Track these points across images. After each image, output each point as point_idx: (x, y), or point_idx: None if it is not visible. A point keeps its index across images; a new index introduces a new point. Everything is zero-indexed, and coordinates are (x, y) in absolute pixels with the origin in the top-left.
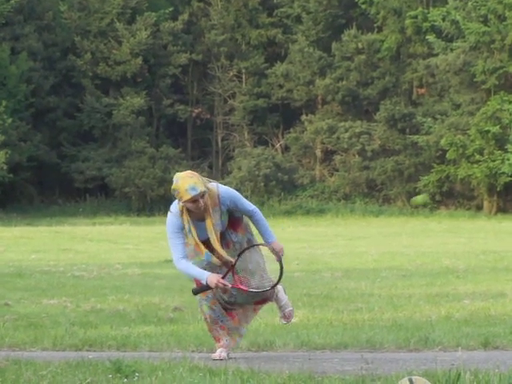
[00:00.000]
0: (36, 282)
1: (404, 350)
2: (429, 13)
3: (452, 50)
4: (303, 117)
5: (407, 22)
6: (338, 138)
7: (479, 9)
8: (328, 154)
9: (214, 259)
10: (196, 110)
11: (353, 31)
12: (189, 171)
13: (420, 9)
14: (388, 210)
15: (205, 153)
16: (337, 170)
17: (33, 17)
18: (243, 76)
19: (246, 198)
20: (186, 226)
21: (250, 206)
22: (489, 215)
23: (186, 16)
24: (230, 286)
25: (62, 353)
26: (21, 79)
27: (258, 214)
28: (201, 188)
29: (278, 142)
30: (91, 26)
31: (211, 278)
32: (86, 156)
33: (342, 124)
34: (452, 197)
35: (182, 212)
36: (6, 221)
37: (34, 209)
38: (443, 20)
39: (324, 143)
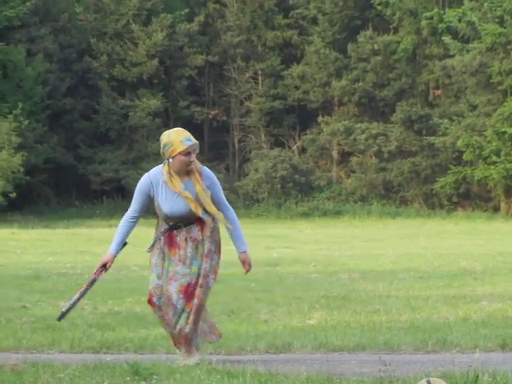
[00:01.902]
0: (53, 284)
1: (422, 351)
2: (445, 14)
3: (468, 51)
4: (320, 118)
5: (423, 23)
6: (355, 140)
7: (495, 10)
8: (345, 156)
9: (208, 221)
10: (212, 112)
11: (369, 32)
12: (178, 128)
13: (436, 10)
14: (405, 212)
15: (221, 155)
16: (353, 172)
17: (48, 18)
18: (259, 77)
19: (263, 199)
20: (180, 185)
21: (227, 202)
22: (506, 216)
23: (201, 17)
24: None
25: (79, 355)
26: (37, 81)
27: (233, 214)
28: (194, 140)
29: (295, 143)
30: (107, 28)
31: (107, 256)
32: (103, 158)
33: (359, 125)
34: (469, 198)
35: (170, 174)
36: (23, 223)
37: (50, 211)
38: (459, 21)
39: (340, 145)
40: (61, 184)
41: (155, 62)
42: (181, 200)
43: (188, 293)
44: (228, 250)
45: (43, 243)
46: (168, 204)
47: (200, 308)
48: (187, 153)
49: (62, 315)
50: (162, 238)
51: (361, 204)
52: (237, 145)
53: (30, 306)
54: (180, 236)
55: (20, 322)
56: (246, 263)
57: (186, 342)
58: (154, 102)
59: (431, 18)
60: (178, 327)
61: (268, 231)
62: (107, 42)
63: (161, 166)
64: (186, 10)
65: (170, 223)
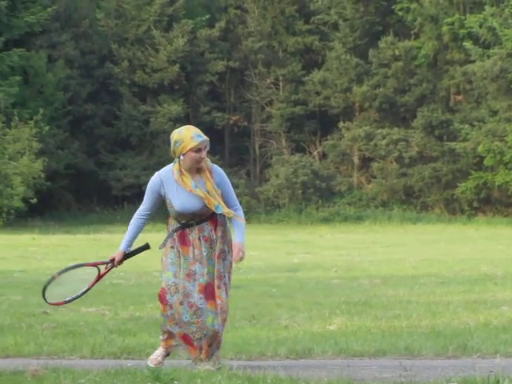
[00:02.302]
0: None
1: (442, 357)
2: (466, 19)
3: (489, 56)
4: (340, 124)
5: (444, 28)
6: (376, 145)
7: None
8: (365, 161)
9: (226, 211)
10: (233, 118)
11: (390, 38)
12: (188, 125)
13: (457, 16)
14: (426, 217)
15: (242, 160)
16: (374, 177)
17: (69, 24)
18: (280, 83)
19: (284, 205)
20: (191, 183)
21: (236, 200)
22: None
23: (222, 23)
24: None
25: (100, 361)
26: (58, 87)
27: (242, 212)
28: (205, 136)
29: (316, 149)
30: (128, 34)
31: (118, 253)
32: (124, 164)
33: (380, 131)
34: (490, 203)
35: (181, 172)
36: (44, 229)
37: (71, 217)
38: (480, 27)
39: (361, 150)
40: (82, 190)
41: (176, 67)
42: (192, 197)
43: (207, 292)
44: (248, 255)
45: (64, 249)
46: (180, 201)
47: (225, 308)
48: (198, 149)
49: (65, 303)
50: (176, 236)
51: (381, 209)
52: (258, 150)
53: (50, 311)
54: (192, 234)
55: (41, 327)
56: (240, 250)
57: (216, 344)
58: (175, 108)
59: (452, 23)
60: (212, 328)
61: (289, 237)
62: (128, 48)
63: (171, 164)
64: (207, 16)
65: (182, 221)
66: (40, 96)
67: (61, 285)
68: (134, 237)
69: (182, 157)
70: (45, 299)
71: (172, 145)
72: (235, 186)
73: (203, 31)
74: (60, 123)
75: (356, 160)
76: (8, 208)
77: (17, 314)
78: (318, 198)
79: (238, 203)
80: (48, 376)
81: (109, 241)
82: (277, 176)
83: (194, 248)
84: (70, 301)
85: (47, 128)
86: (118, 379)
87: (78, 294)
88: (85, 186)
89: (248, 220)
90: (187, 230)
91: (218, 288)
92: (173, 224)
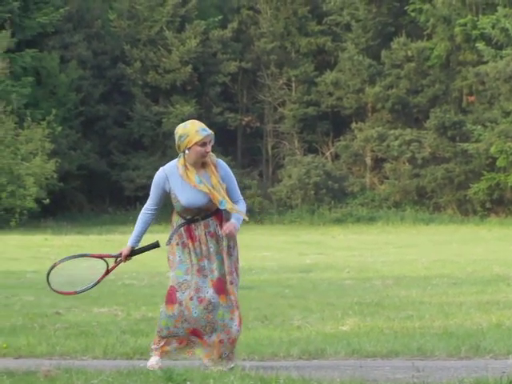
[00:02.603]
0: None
1: (455, 357)
2: (478, 20)
3: (502, 57)
4: (353, 125)
5: (457, 29)
6: (388, 146)
7: None
8: (378, 162)
9: (229, 206)
10: (246, 118)
11: (402, 39)
12: (193, 119)
13: (469, 16)
14: (438, 218)
15: (255, 161)
16: (387, 178)
17: (82, 25)
18: (293, 84)
19: (296, 206)
20: (196, 178)
21: (240, 194)
22: None
23: (235, 24)
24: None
25: (113, 361)
26: (70, 88)
27: (244, 206)
28: (210, 130)
29: (328, 149)
30: (141, 35)
31: (126, 248)
32: (136, 164)
33: (392, 132)
34: (502, 204)
35: (185, 167)
36: (57, 229)
37: (84, 217)
38: (493, 28)
39: (374, 151)
40: (94, 190)
41: (189, 68)
42: (198, 192)
43: (219, 287)
44: (261, 256)
45: (76, 249)
46: (185, 196)
47: (238, 303)
48: (203, 143)
49: (76, 293)
50: (183, 231)
51: (394, 210)
52: (270, 151)
53: (63, 312)
54: (198, 230)
55: (53, 328)
56: (232, 225)
57: (230, 342)
58: (188, 109)
59: (465, 24)
60: (222, 323)
61: (301, 237)
62: (141, 49)
63: (176, 159)
64: (220, 17)
65: (188, 217)
66: (52, 97)
67: (68, 275)
68: (142, 232)
69: (187, 151)
70: (50, 287)
71: (177, 139)
72: (248, 187)
73: (216, 32)
74: (72, 124)
75: (368, 161)
76: (21, 209)
77: (29, 314)
78: (330, 199)
79: (241, 197)
80: (60, 376)
81: (121, 241)
82: (289, 177)
83: (200, 244)
84: (80, 291)
85: (60, 129)
86: (130, 380)
87: (89, 285)
88: (97, 187)
89: (260, 221)
90: (193, 225)
91: (231, 283)
92: (177, 220)
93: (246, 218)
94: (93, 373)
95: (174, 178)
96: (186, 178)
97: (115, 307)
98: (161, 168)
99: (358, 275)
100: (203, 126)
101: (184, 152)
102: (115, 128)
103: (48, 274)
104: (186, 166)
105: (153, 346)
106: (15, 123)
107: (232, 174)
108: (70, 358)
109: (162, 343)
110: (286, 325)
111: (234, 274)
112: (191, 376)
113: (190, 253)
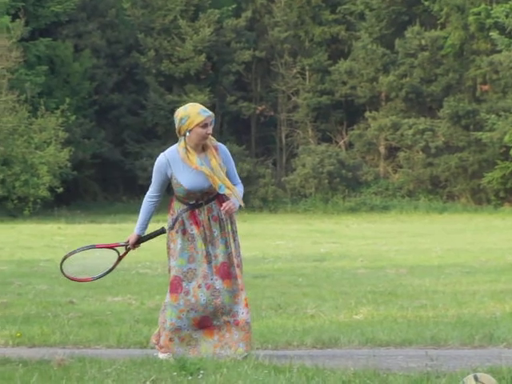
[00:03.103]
0: (100, 279)
1: (468, 346)
2: (492, 9)
3: None
4: (367, 113)
5: (470, 18)
6: (402, 135)
7: None
8: (392, 151)
9: (227, 191)
10: (260, 107)
11: (416, 28)
12: (192, 102)
13: (483, 5)
14: (452, 207)
15: (269, 150)
16: (401, 167)
17: (96, 14)
18: (307, 73)
19: (310, 195)
20: (197, 160)
21: (238, 178)
22: None
23: (249, 13)
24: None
25: (126, 350)
26: (84, 76)
27: (242, 189)
28: (210, 112)
29: (342, 138)
30: (154, 23)
31: (133, 236)
32: (150, 153)
33: (406, 121)
34: None
35: (186, 150)
36: (70, 218)
37: (97, 206)
38: (506, 16)
39: (388, 140)
40: (108, 179)
41: (202, 57)
42: (200, 175)
43: (222, 272)
44: (274, 245)
45: (90, 238)
46: (187, 180)
47: (243, 286)
48: (204, 124)
49: (93, 279)
50: (185, 218)
51: (408, 199)
52: (284, 140)
53: (76, 301)
54: (202, 215)
55: (67, 317)
56: (231, 203)
57: (246, 329)
58: (202, 98)
59: (479, 13)
60: (229, 308)
61: (315, 226)
62: (155, 38)
63: (176, 144)
64: (234, 6)
65: (191, 202)
66: (66, 85)
67: (81, 264)
68: (147, 220)
69: (188, 133)
70: (65, 275)
71: (177, 122)
72: (261, 176)
73: (229, 21)
74: (86, 113)
75: (382, 150)
76: (34, 197)
77: (43, 303)
78: (344, 188)
79: (239, 180)
80: (74, 365)
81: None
82: (303, 166)
83: (204, 229)
84: (97, 278)
85: (73, 117)
86: (143, 369)
87: (104, 271)
88: (111, 176)
89: (274, 210)
90: (196, 210)
91: (238, 266)
92: (179, 207)
93: (243, 205)
94: (106, 362)
95: (176, 163)
96: (187, 161)
97: (129, 296)
98: (161, 153)
99: (372, 264)
100: (203, 107)
101: (185, 135)
102: (129, 117)
103: (61, 265)
104: (186, 148)
105: (154, 341)
106: (29, 112)
107: (231, 158)
108: (83, 346)
109: (168, 338)
110: (300, 314)
111: (239, 257)
112: (205, 365)
113: (192, 239)
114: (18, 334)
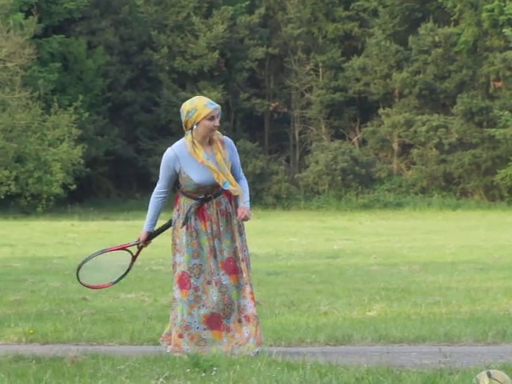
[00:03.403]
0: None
1: (482, 343)
2: (505, 6)
3: None
4: (380, 110)
5: (484, 15)
6: (415, 132)
7: None
8: (405, 148)
9: (232, 188)
10: (273, 104)
11: (429, 24)
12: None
13: (496, 2)
14: (465, 204)
15: (282, 147)
16: (414, 164)
17: (109, 11)
18: (320, 70)
19: (323, 191)
20: (203, 155)
21: (242, 172)
22: None
23: (262, 10)
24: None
25: (139, 347)
26: (97, 73)
27: (246, 184)
28: (217, 104)
29: (355, 135)
30: (168, 20)
31: (143, 233)
32: (163, 150)
33: (419, 117)
34: None
35: (193, 143)
36: (83, 215)
37: (110, 203)
38: None
39: (401, 137)
40: (121, 176)
41: (216, 54)
42: (207, 168)
43: (228, 267)
44: (287, 242)
45: (103, 235)
46: (197, 173)
47: (250, 281)
48: (212, 117)
49: (112, 284)
50: (192, 214)
51: (421, 196)
52: (297, 137)
53: (90, 298)
54: (211, 209)
55: (80, 313)
56: (246, 210)
57: (255, 323)
58: (215, 95)
59: (492, 10)
60: (237, 303)
61: (328, 223)
62: (168, 35)
63: (183, 138)
64: (247, 3)
65: (200, 196)
66: (79, 82)
67: (98, 270)
68: (156, 216)
69: (195, 126)
70: (85, 285)
71: (184, 116)
72: (275, 173)
73: (243, 18)
74: (99, 110)
75: (396, 146)
76: (47, 194)
77: (56, 300)
78: (357, 185)
79: (243, 176)
80: (87, 362)
81: None
82: (316, 162)
83: (212, 223)
84: (116, 282)
85: (87, 114)
86: (157, 365)
87: (122, 273)
88: (124, 173)
89: (287, 206)
90: (205, 205)
91: (243, 261)
92: (187, 202)
93: (247, 201)
94: (119, 359)
95: (184, 157)
96: (193, 155)
97: (142, 293)
98: (168, 148)
99: (385, 261)
100: (210, 100)
101: (192, 128)
102: (142, 114)
103: (77, 276)
104: (193, 142)
105: (165, 344)
106: (42, 109)
107: (237, 153)
108: (96, 343)
109: (178, 333)
110: (313, 310)
111: (246, 252)
112: (218, 362)
113: (196, 235)
114: (31, 331)
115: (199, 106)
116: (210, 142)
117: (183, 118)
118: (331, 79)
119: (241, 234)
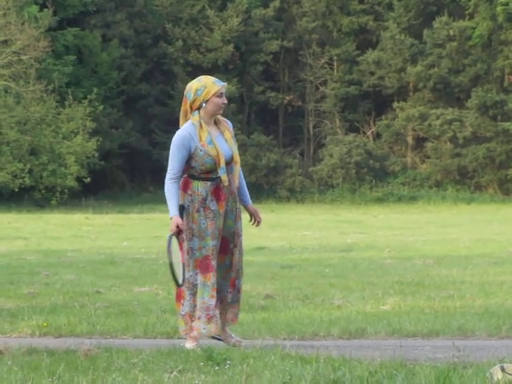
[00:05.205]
0: (127, 269)
1: (495, 337)
2: None
3: None
4: (395, 104)
5: (498, 9)
6: (430, 125)
7: None
8: (419, 141)
9: (224, 177)
10: (287, 97)
11: (444, 18)
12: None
13: None
14: (479, 197)
15: (296, 140)
16: (428, 157)
17: (124, 4)
18: (335, 63)
19: (337, 185)
20: (206, 138)
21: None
22: None
23: (277, 3)
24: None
25: (153, 340)
26: (112, 66)
27: (241, 172)
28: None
29: (370, 129)
30: (182, 13)
31: (177, 218)
32: None
33: (434, 111)
34: None
35: (200, 124)
36: (98, 208)
37: (125, 196)
38: None
39: (415, 130)
40: (135, 169)
41: (230, 47)
42: (222, 143)
43: (220, 247)
44: (301, 235)
45: (117, 228)
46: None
47: (238, 268)
48: (220, 93)
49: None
50: (209, 195)
51: (435, 189)
52: (312, 130)
53: (103, 291)
54: (225, 188)
55: (94, 307)
56: (258, 213)
57: (226, 308)
58: (229, 88)
59: (507, 3)
60: (223, 294)
61: (342, 216)
62: (182, 28)
63: (190, 121)
64: None
65: (215, 175)
66: (94, 75)
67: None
68: (178, 200)
69: (204, 104)
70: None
71: (192, 95)
72: (289, 166)
73: (257, 11)
74: (114, 102)
75: (410, 140)
76: (62, 187)
77: (70, 293)
78: (371, 178)
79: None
80: (101, 355)
81: (162, 220)
82: (331, 156)
83: (225, 202)
84: (183, 282)
85: (101, 107)
86: (170, 359)
87: (181, 270)
88: (138, 166)
89: (301, 200)
90: (221, 184)
91: (235, 247)
92: (202, 186)
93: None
94: (133, 352)
95: (197, 135)
96: (200, 134)
97: (156, 286)
98: (179, 130)
99: (399, 254)
100: (216, 78)
101: (199, 108)
102: (157, 107)
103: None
104: (200, 123)
105: (184, 333)
106: (57, 102)
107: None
108: (110, 337)
109: (190, 323)
110: (327, 304)
111: (241, 237)
112: (231, 355)
113: (213, 216)
114: (45, 324)
115: (208, 84)
116: (216, 123)
117: (191, 98)
118: (346, 73)
119: (240, 218)
